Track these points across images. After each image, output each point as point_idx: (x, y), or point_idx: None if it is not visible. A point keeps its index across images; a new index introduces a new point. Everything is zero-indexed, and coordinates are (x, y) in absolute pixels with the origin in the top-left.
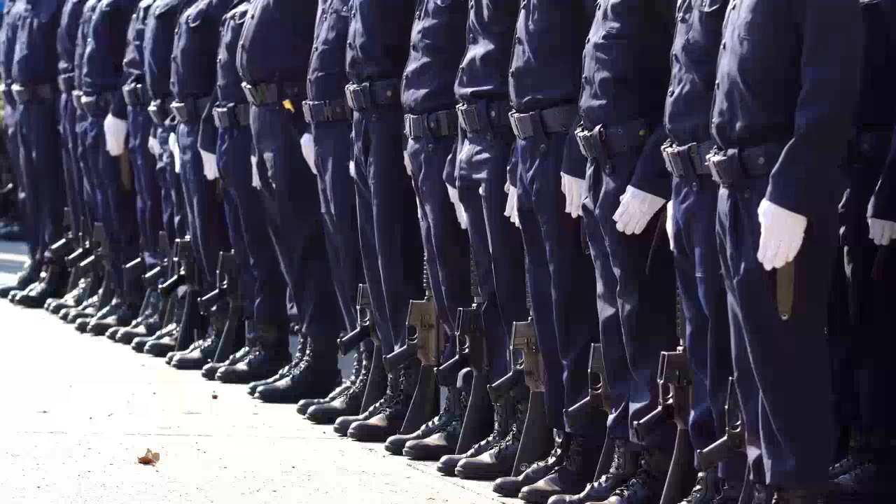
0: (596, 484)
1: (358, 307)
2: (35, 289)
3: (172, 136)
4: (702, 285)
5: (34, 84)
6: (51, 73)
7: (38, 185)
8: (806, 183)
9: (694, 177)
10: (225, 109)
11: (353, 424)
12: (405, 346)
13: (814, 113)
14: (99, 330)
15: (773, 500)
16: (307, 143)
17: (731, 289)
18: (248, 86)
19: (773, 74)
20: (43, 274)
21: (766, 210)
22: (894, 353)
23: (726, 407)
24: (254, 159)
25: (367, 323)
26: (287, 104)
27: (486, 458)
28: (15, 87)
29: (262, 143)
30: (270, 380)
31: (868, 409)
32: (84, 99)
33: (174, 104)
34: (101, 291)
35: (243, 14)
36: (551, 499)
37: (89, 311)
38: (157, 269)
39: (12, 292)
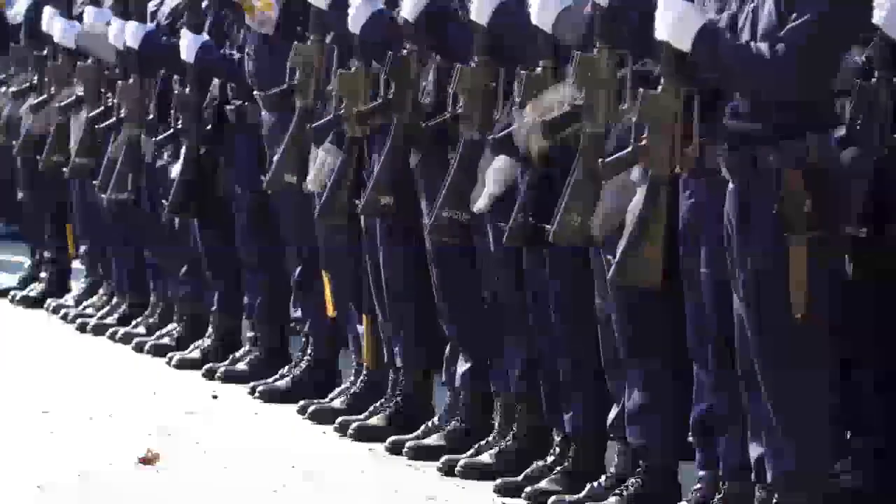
0: (596, 484)
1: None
2: (35, 289)
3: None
4: (705, 282)
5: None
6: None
7: (37, 185)
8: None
9: (701, 173)
10: (233, 108)
11: (353, 424)
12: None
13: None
14: (99, 330)
15: (774, 500)
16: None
17: (737, 287)
18: (259, 92)
19: None
20: (43, 274)
21: None
22: (893, 354)
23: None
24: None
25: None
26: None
27: (486, 458)
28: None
29: (276, 147)
30: (270, 380)
31: (868, 410)
32: None
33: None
34: (101, 291)
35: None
36: (551, 499)
37: (89, 311)
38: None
39: (12, 292)
